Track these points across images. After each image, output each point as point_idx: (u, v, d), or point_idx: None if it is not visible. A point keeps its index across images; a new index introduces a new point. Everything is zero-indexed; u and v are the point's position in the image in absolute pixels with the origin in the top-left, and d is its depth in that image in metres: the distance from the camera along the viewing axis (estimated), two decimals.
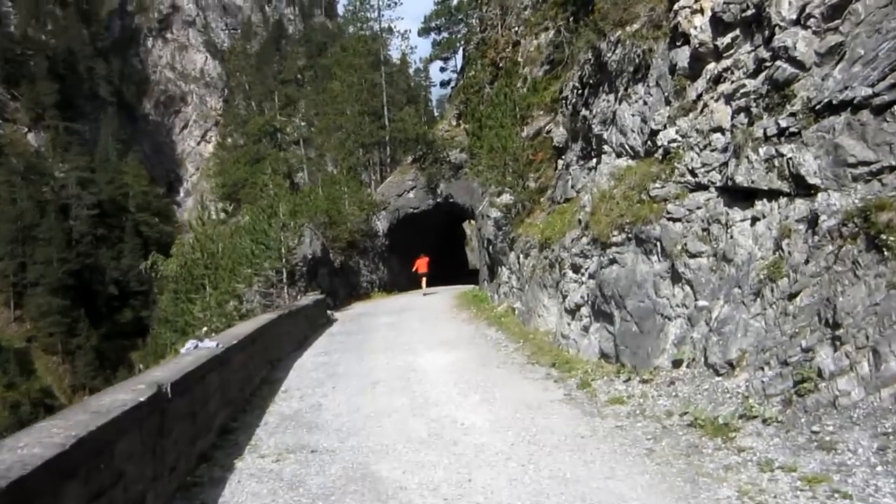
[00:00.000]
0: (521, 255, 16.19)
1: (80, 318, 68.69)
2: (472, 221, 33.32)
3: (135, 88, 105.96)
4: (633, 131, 10.33)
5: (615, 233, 9.46)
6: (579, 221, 10.95)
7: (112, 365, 66.94)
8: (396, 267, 36.15)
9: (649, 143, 9.79)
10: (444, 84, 39.72)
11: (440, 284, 36.66)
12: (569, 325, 11.25)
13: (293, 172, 35.69)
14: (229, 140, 37.74)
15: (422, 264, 29.89)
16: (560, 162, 16.94)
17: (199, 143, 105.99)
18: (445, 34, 40.82)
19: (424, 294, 28.78)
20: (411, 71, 68.72)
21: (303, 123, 40.67)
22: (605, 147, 11.36)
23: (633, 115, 10.34)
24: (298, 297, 22.55)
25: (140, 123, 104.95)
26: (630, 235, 9.25)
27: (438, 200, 35.59)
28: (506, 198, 19.49)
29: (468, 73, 34.51)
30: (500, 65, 29.07)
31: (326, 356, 13.32)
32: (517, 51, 27.63)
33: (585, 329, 10.68)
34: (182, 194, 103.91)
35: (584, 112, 13.75)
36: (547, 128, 19.41)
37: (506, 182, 17.81)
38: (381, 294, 32.20)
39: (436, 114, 43.51)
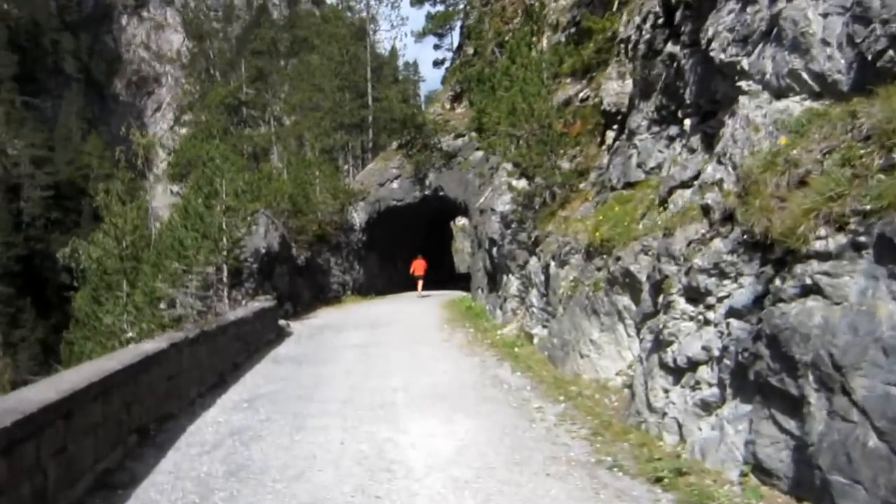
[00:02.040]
0: (553, 263, 11.31)
1: (26, 309, 62.65)
2: (464, 219, 28.39)
3: (105, 66, 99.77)
4: (828, 45, 5.46)
5: (821, 230, 4.57)
6: (707, 209, 6.03)
7: (59, 359, 60.99)
8: (374, 267, 31.12)
9: (879, 59, 4.94)
10: (437, 64, 34.81)
11: (425, 289, 31.81)
12: (666, 392, 6.36)
13: (261, 155, 30.55)
14: (186, 116, 32.76)
15: (419, 266, 28.18)
16: (608, 135, 12.08)
17: (172, 127, 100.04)
18: (441, 6, 35.87)
19: (420, 297, 26.79)
20: (400, 64, 63.73)
21: (279, 98, 35.51)
22: (744, 83, 6.47)
23: (828, 15, 5.47)
24: (244, 301, 17.46)
25: (109, 103, 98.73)
26: (860, 237, 4.40)
27: (426, 193, 30.63)
28: (522, 183, 14.58)
29: (469, 45, 29.64)
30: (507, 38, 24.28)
31: (246, 413, 8.26)
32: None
33: (707, 407, 5.80)
34: (152, 179, 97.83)
35: (669, 48, 8.89)
36: (581, 94, 14.52)
37: (531, 159, 12.88)
38: (355, 298, 27.15)
39: (425, 108, 38.30)
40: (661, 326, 6.32)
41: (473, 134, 25.23)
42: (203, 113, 33.93)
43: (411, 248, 35.67)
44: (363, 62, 32.43)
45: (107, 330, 15.93)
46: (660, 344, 6.36)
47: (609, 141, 12.04)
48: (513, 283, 16.17)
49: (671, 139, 9.17)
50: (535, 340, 12.57)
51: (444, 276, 38.50)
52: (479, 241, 23.64)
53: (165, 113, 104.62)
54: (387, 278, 32.40)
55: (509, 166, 15.40)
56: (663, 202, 7.89)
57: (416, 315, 20.27)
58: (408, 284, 33.15)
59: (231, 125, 32.65)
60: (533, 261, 12.84)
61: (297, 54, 35.73)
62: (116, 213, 16.47)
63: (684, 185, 7.56)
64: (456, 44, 37.05)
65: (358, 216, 29.72)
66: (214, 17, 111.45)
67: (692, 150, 7.92)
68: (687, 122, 8.35)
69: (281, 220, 22.16)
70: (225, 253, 16.72)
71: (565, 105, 14.38)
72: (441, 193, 30.34)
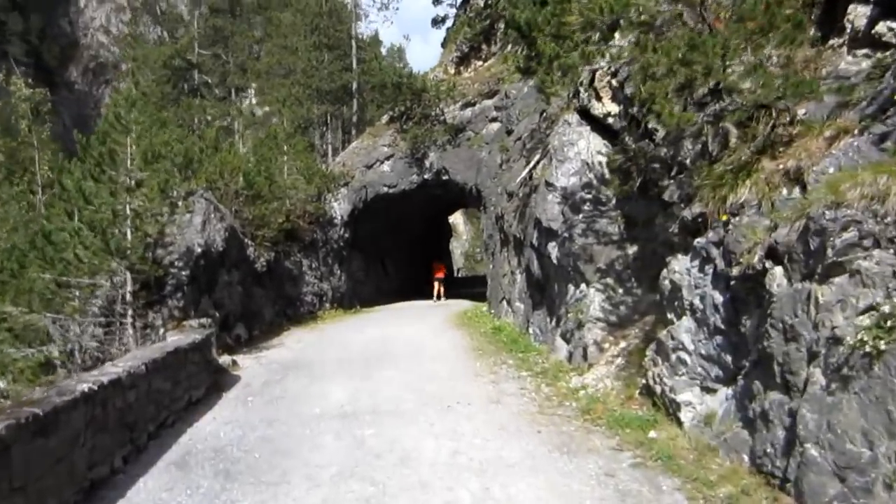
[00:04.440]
0: (790, 272, 5.10)
1: None
2: (481, 210, 22.20)
3: (59, 51, 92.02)
4: None
5: None
6: None
7: None
8: (359, 271, 24.82)
9: None
10: (437, 22, 28.52)
11: (419, 299, 25.66)
12: None
13: (218, 132, 24.10)
14: (124, 83, 27.04)
15: (439, 270, 26.17)
16: (855, 15, 5.98)
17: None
18: None
19: (436, 303, 24.27)
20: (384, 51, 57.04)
21: (241, 66, 29.01)
22: None
23: None
24: (161, 330, 11.12)
25: (62, 91, 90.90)
26: None
27: (426, 177, 24.37)
28: (600, 145, 8.43)
29: None
30: None
31: None
32: None
33: None
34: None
35: None
36: None
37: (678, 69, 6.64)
38: (336, 313, 20.85)
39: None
40: None
41: (511, 80, 19.20)
42: (140, 75, 27.29)
43: (405, 247, 29.39)
44: (347, 14, 26.12)
45: None
46: None
47: (857, 23, 5.97)
48: (593, 299, 10.06)
49: None
50: (690, 421, 6.47)
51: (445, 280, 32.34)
52: (505, 235, 17.49)
53: None
54: (374, 286, 26.10)
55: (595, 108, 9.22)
56: None
57: (425, 341, 14.06)
58: (400, 294, 26.92)
59: (182, 95, 26.09)
60: (682, 264, 6.68)
61: (265, 10, 29.31)
62: None
63: None
64: None
65: (339, 206, 23.40)
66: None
67: None
68: None
69: (231, 207, 15.79)
70: (130, 254, 10.37)
71: None
72: (444, 177, 24.11)
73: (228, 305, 14.20)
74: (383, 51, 58.35)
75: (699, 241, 6.41)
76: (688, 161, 6.85)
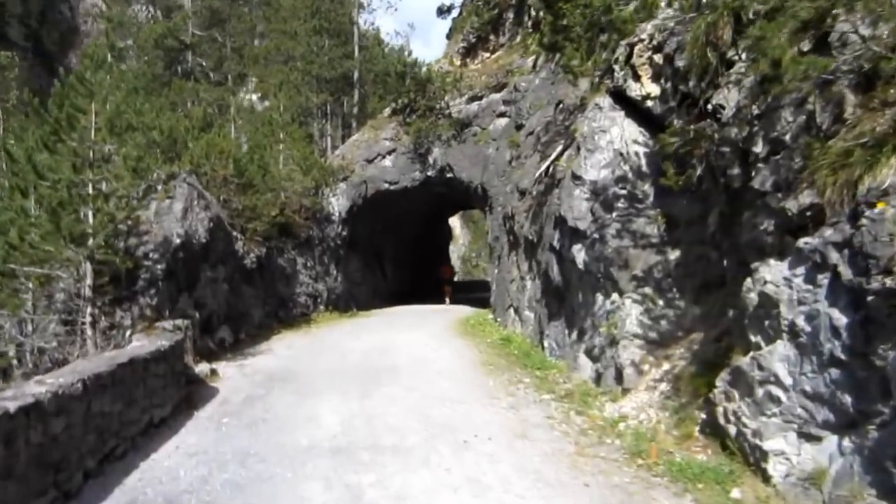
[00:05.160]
0: None
1: None
2: (487, 210, 20.69)
3: (58, 37, 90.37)
4: None
5: None
6: None
7: None
8: (356, 273, 23.28)
9: None
10: (443, 12, 27.02)
11: (417, 303, 24.20)
12: None
13: (212, 117, 22.43)
14: (111, 56, 25.68)
15: (447, 272, 26.64)
16: None
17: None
18: None
19: (441, 307, 23.38)
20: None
21: (239, 52, 27.45)
22: None
23: None
24: (129, 333, 9.60)
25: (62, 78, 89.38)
26: None
27: (429, 173, 22.88)
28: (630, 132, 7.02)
29: None
30: None
31: None
32: None
33: None
34: None
35: None
36: None
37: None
38: (331, 316, 19.31)
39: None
40: None
41: (521, 72, 17.80)
42: (134, 55, 25.59)
43: (404, 248, 27.84)
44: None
45: None
46: None
47: None
48: (629, 312, 8.55)
49: None
50: (783, 477, 4.97)
51: (439, 285, 30.80)
52: (514, 237, 16.02)
53: None
54: (370, 288, 24.56)
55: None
56: None
57: (428, 352, 12.54)
58: (398, 297, 25.35)
59: (175, 77, 24.49)
60: (777, 272, 5.16)
61: None
62: None
63: None
64: None
65: (337, 202, 21.87)
66: None
67: None
68: None
69: (219, 195, 14.26)
70: (93, 242, 8.85)
71: None
72: (449, 175, 22.61)
73: (211, 305, 12.67)
74: (385, 38, 56.96)
75: (808, 242, 4.91)
76: (787, 137, 5.35)
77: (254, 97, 29.38)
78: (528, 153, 16.21)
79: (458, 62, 25.02)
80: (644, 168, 8.93)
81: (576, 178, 10.02)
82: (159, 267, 10.62)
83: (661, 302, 8.21)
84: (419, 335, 15.09)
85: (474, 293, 28.31)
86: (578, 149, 10.18)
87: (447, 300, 25.32)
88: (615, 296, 8.69)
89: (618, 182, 9.11)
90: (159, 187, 11.78)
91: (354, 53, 24.62)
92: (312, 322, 17.82)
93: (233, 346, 13.02)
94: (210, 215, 12.48)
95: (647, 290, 8.33)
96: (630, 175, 9.03)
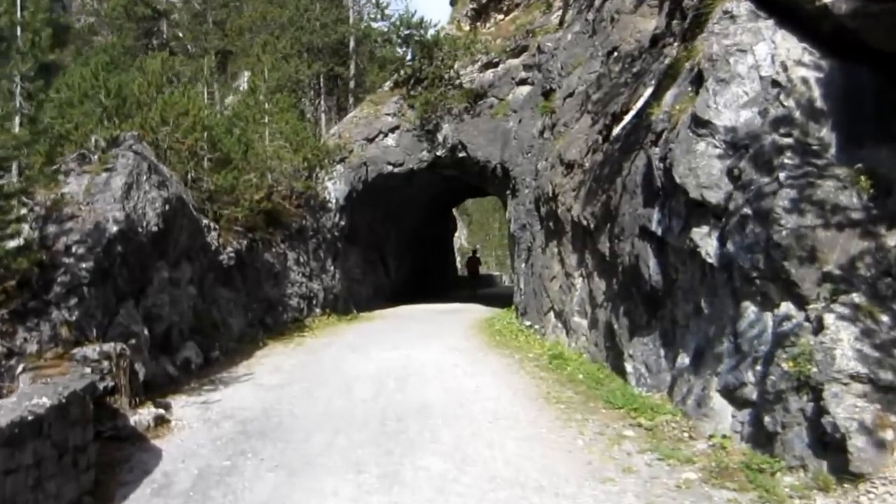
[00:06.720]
0: None
1: None
2: (509, 194, 17.46)
3: (51, 33, 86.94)
4: None
5: None
6: None
7: None
8: (355, 269, 20.07)
9: None
10: None
11: (423, 302, 21.09)
12: None
13: (166, 62, 19.08)
14: (77, 23, 22.57)
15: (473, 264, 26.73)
16: None
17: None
18: None
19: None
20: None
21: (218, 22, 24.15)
22: None
23: None
24: (19, 370, 6.37)
25: (54, 77, 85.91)
26: None
27: (438, 153, 19.72)
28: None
29: None
30: None
31: None
32: None
33: None
34: None
35: None
36: None
37: None
38: (329, 321, 16.13)
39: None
40: None
41: (561, 18, 14.67)
42: (95, 21, 22.22)
43: (409, 240, 24.60)
44: None
45: None
46: None
47: None
48: (837, 336, 5.29)
49: None
50: None
51: (443, 282, 27.70)
52: (556, 224, 12.86)
53: None
54: (372, 287, 21.36)
55: None
56: None
57: (466, 380, 9.27)
58: (403, 296, 22.14)
59: (149, 49, 21.18)
60: None
61: None
62: None
63: None
64: None
65: (334, 187, 18.66)
66: None
67: None
68: None
69: (185, 171, 11.02)
70: None
71: None
72: (461, 154, 19.45)
73: (171, 316, 9.46)
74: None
75: None
76: None
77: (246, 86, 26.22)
78: (574, 116, 13.05)
79: (466, 27, 21.81)
80: (819, 104, 5.81)
81: (699, 123, 6.78)
82: (84, 265, 7.39)
83: (884, 318, 5.05)
84: (441, 348, 11.95)
85: (481, 289, 26.60)
86: (700, 80, 6.97)
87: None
88: (787, 305, 5.54)
89: (775, 126, 5.96)
90: (94, 157, 8.60)
91: (349, 17, 21.35)
92: (307, 329, 14.63)
93: (201, 370, 9.79)
94: (166, 195, 9.23)
95: (857, 297, 5.17)
96: (798, 115, 5.88)
